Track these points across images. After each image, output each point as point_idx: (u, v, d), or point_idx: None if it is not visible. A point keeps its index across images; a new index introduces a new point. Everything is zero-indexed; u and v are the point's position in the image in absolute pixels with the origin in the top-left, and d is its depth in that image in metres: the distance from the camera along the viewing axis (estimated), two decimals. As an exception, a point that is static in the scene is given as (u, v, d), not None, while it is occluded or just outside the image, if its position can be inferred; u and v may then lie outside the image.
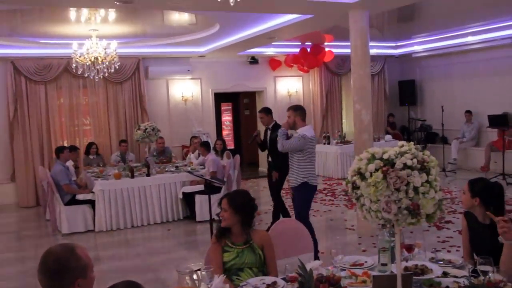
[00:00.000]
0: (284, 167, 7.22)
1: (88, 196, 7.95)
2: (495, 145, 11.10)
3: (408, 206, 2.31)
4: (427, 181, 2.34)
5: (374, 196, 2.36)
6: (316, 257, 5.33)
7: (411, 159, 2.37)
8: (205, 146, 8.34)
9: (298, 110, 5.76)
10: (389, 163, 2.40)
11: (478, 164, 11.52)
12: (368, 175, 2.41)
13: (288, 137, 5.67)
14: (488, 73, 12.13)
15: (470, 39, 11.55)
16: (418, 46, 13.16)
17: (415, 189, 2.32)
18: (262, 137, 7.56)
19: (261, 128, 7.73)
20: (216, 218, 7.13)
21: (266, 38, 9.60)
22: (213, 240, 3.44)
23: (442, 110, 11.83)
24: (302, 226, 4.07)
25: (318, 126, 13.56)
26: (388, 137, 12.75)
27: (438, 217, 2.43)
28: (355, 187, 2.50)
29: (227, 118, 15.30)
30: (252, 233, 3.42)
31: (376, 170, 2.40)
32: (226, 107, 15.21)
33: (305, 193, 5.64)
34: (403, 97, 14.26)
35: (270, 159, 7.32)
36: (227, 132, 15.16)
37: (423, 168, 2.37)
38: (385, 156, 2.43)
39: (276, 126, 7.32)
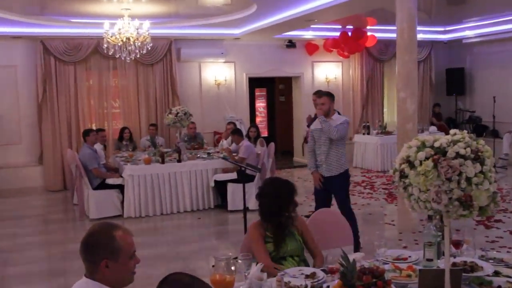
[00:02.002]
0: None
1: (118, 181, 8.13)
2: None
3: (459, 197, 2.31)
4: (481, 172, 2.34)
5: (423, 186, 2.37)
6: (357, 249, 5.40)
7: (464, 148, 2.37)
8: (238, 133, 8.43)
9: (331, 96, 5.84)
10: (441, 151, 2.41)
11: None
12: (418, 163, 2.42)
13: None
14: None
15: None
16: (469, 31, 12.88)
17: (468, 180, 2.32)
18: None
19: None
20: (249, 207, 7.27)
21: (305, 20, 9.57)
22: (255, 226, 3.50)
23: (494, 101, 11.59)
24: (342, 217, 4.11)
25: (358, 115, 13.49)
26: (433, 128, 12.58)
27: (492, 211, 2.42)
28: (403, 175, 2.51)
29: (261, 104, 15.35)
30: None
31: (427, 158, 2.41)
32: (260, 92, 15.25)
33: (347, 181, 5.86)
34: (450, 86, 14.03)
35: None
36: (261, 119, 15.22)
37: (477, 158, 2.36)
38: (436, 144, 2.44)
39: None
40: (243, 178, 6.07)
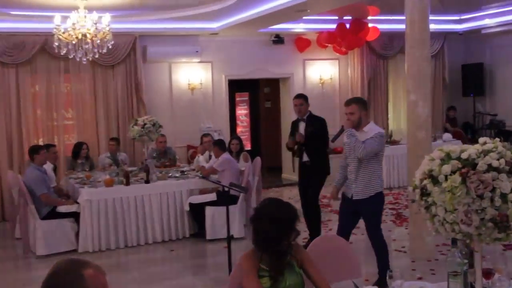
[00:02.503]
0: (326, 166, 7.62)
1: (72, 208, 8.04)
2: None
3: (493, 217, 2.34)
4: (517, 187, 2.37)
5: (450, 205, 2.40)
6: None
7: (498, 159, 2.40)
8: (220, 145, 8.43)
9: (363, 104, 5.89)
10: (469, 164, 2.44)
11: None
12: (443, 178, 2.45)
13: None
14: None
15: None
16: (489, 19, 13.08)
17: (503, 196, 2.35)
18: (290, 132, 7.73)
19: (288, 123, 7.61)
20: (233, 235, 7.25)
21: (296, 11, 9.63)
22: (247, 257, 3.48)
23: (520, 102, 11.80)
24: (348, 245, 4.12)
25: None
26: (447, 136, 12.70)
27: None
28: (425, 193, 2.54)
29: (242, 111, 15.39)
30: None
31: (453, 172, 2.44)
32: (241, 97, 15.32)
33: (379, 205, 5.89)
34: (467, 86, 14.23)
35: (307, 158, 7.50)
36: (242, 129, 15.27)
37: (513, 170, 2.40)
38: (464, 156, 2.47)
39: (312, 118, 7.51)
40: (225, 199, 6.06)
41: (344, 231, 5.81)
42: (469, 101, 14.42)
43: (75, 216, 8.02)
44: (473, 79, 14.09)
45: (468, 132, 13.92)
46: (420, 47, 7.04)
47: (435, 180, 2.48)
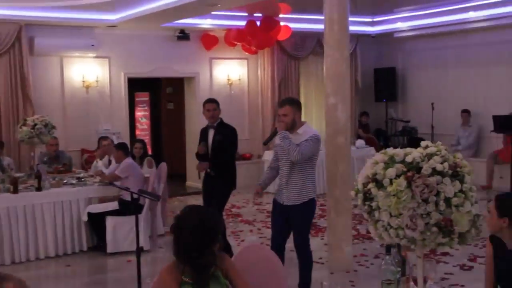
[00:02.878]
0: (231, 179, 7.57)
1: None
2: (500, 156, 11.77)
3: (438, 222, 2.53)
4: (460, 191, 2.58)
5: (395, 209, 2.57)
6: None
7: (441, 163, 2.60)
8: (123, 149, 8.35)
9: (297, 105, 5.98)
10: (414, 167, 2.63)
11: (478, 180, 12.04)
12: (387, 182, 2.62)
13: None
14: (493, 60, 12.78)
15: (471, 15, 12.17)
16: (402, 22, 13.75)
17: (447, 201, 2.55)
18: (199, 139, 7.75)
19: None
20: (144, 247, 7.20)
21: (206, 5, 9.74)
22: (168, 270, 3.52)
23: (432, 109, 12.42)
24: (274, 256, 4.22)
25: (268, 126, 13.80)
26: (360, 142, 13.18)
27: (473, 237, 2.66)
28: (368, 197, 2.70)
29: (142, 113, 15.27)
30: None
31: (398, 176, 2.61)
32: (141, 98, 15.20)
33: (310, 212, 6.01)
34: (380, 90, 14.85)
35: (209, 169, 7.53)
36: (142, 132, 15.14)
37: (456, 174, 2.61)
38: (409, 159, 2.66)
39: (222, 126, 7.54)
40: (132, 208, 6.00)
41: (278, 240, 5.94)
42: (381, 106, 15.03)
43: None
44: (385, 83, 14.70)
45: (380, 139, 14.47)
46: (339, 48, 7.29)
47: (379, 184, 2.64)
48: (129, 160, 8.32)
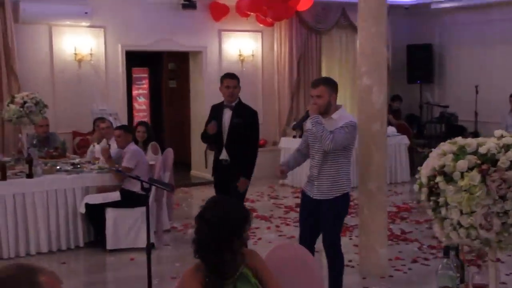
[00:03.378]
0: (250, 169, 7.41)
1: None
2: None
3: (517, 222, 2.52)
4: (544, 187, 2.56)
5: (467, 206, 2.56)
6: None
7: (521, 155, 2.59)
8: (128, 131, 8.42)
9: (332, 85, 5.92)
10: (489, 160, 2.61)
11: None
12: (458, 176, 2.60)
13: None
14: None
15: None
16: (440, -9, 13.68)
17: (527, 198, 2.53)
18: (209, 116, 7.51)
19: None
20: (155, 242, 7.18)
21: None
22: (192, 273, 3.53)
23: (476, 92, 12.33)
24: (310, 256, 4.24)
25: (285, 108, 13.84)
26: (391, 129, 13.11)
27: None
28: (434, 192, 2.69)
29: (140, 91, 15.27)
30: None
31: (470, 169, 2.60)
32: (139, 74, 15.20)
33: (343, 208, 6.01)
34: (413, 71, 14.77)
35: (226, 156, 7.35)
36: (140, 113, 15.17)
37: (537, 169, 2.59)
38: (483, 150, 2.64)
39: (243, 107, 7.38)
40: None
41: (306, 238, 5.91)
42: (415, 89, 14.97)
43: None
44: (420, 63, 14.61)
45: (413, 126, 14.37)
46: (375, 22, 7.22)
47: (448, 178, 2.63)
48: (133, 146, 8.33)
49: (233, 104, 7.28)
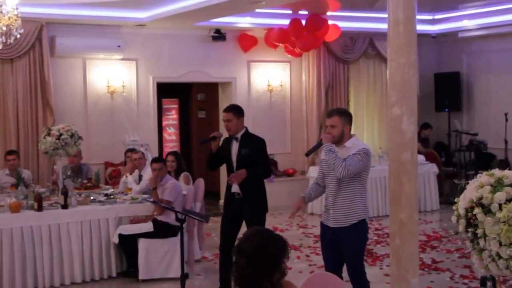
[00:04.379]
0: (255, 171, 7.22)
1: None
2: None
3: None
4: None
5: (506, 238, 2.60)
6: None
7: (559, 187, 2.63)
8: (165, 163, 8.57)
9: (346, 116, 6.08)
10: (527, 191, 2.66)
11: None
12: (496, 207, 2.65)
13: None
14: None
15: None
16: (468, 20, 13.64)
17: None
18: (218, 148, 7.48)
19: (224, 135, 7.77)
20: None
21: (249, 2, 9.83)
22: None
23: (506, 120, 12.24)
24: (342, 283, 4.29)
25: (313, 137, 13.78)
26: (420, 158, 13.04)
27: None
28: (472, 224, 2.74)
29: (170, 122, 15.41)
30: None
31: (508, 201, 2.65)
32: (169, 104, 15.34)
33: (361, 235, 6.04)
34: (441, 99, 14.72)
35: (237, 189, 7.21)
36: (169, 143, 15.28)
37: None
38: (520, 182, 2.68)
39: (248, 136, 7.33)
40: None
41: (332, 269, 5.86)
42: (443, 116, 14.91)
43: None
44: (448, 91, 14.55)
45: (442, 155, 14.29)
46: (405, 53, 7.24)
47: (485, 209, 2.67)
48: (172, 179, 8.48)
49: (238, 136, 7.25)
